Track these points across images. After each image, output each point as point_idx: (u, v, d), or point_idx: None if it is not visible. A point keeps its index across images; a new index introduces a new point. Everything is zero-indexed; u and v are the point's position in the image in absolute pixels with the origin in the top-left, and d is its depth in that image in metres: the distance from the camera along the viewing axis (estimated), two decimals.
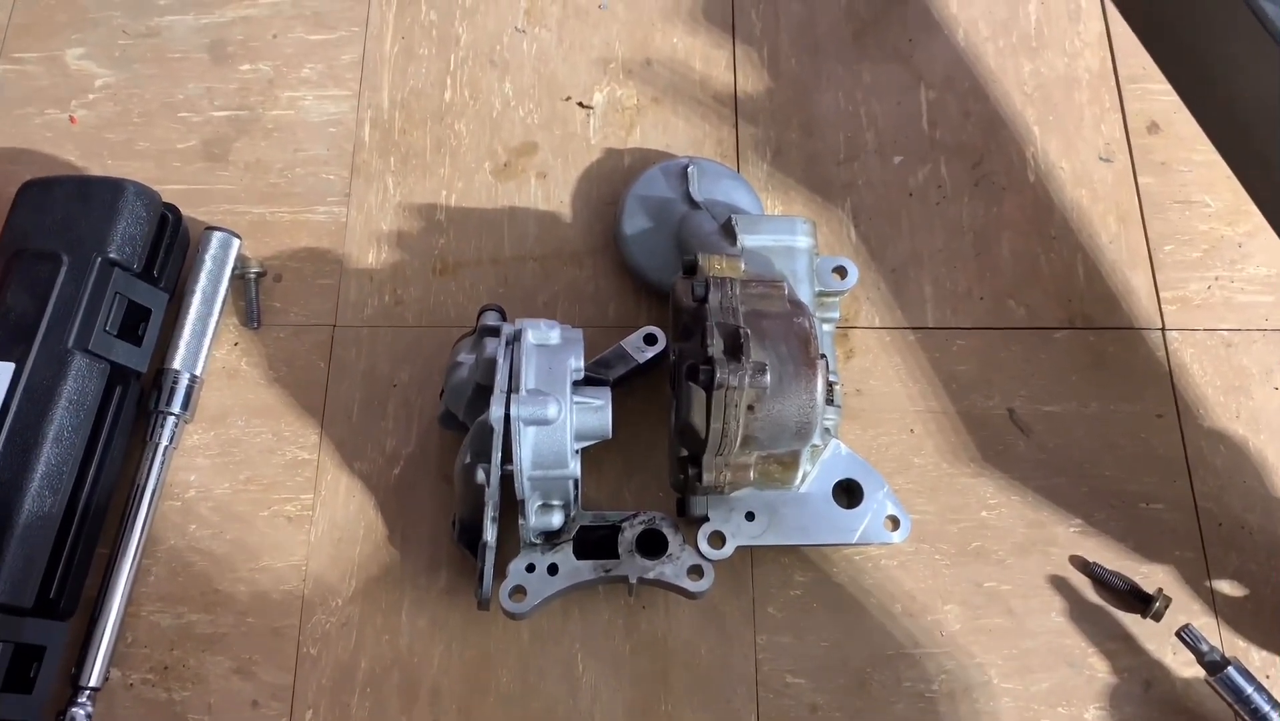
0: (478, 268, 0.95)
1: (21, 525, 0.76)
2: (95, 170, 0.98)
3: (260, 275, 0.94)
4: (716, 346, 0.72)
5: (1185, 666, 0.82)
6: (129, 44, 1.04)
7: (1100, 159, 1.00)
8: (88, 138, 1.00)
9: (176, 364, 0.88)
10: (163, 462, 0.86)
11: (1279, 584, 0.85)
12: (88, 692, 0.79)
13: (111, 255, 0.84)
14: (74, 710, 0.78)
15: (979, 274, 0.96)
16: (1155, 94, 1.02)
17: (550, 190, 0.98)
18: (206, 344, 0.90)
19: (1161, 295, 0.95)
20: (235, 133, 1.00)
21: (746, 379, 0.70)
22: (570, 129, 1.01)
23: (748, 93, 1.03)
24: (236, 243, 0.93)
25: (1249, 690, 0.76)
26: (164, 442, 0.86)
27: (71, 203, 0.85)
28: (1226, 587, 0.85)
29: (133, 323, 0.87)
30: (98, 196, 0.86)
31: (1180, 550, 0.86)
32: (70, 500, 0.80)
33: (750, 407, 0.72)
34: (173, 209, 0.91)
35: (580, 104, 1.02)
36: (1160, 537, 0.86)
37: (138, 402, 0.87)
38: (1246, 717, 0.76)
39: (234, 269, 0.92)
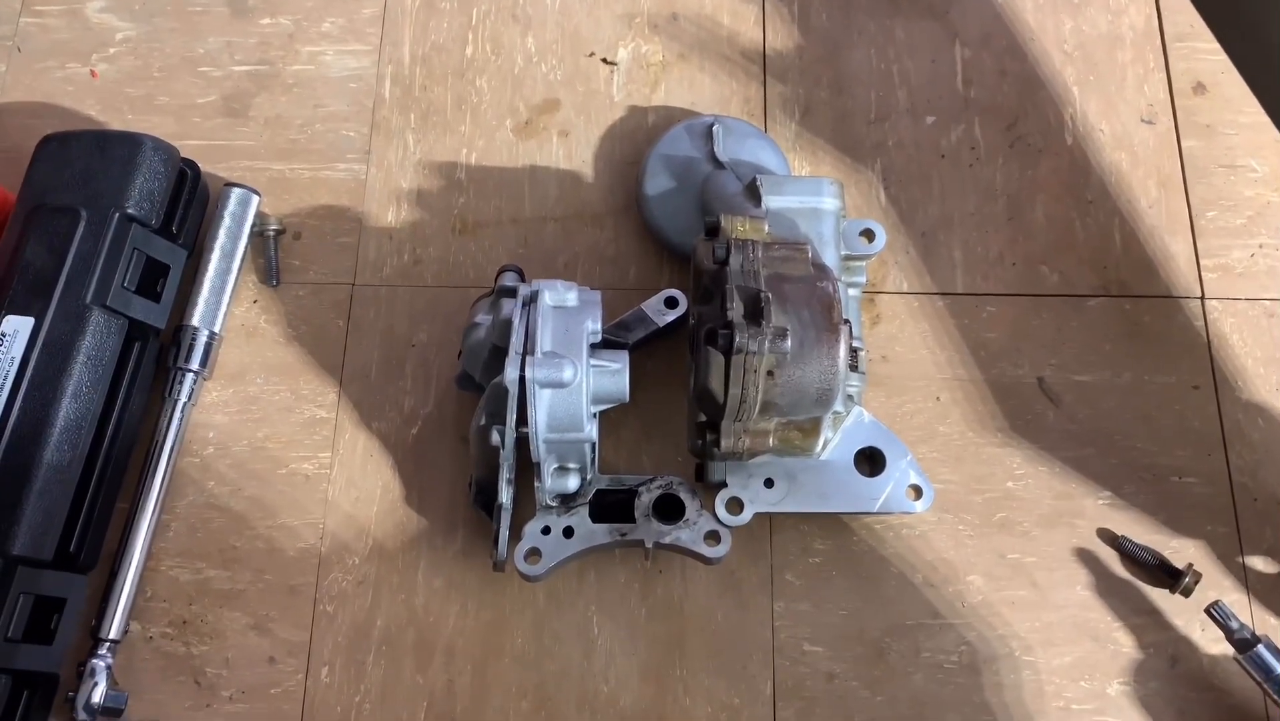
0: (497, 227, 0.94)
1: (40, 479, 0.77)
2: (116, 125, 0.97)
3: (280, 232, 0.93)
4: (736, 310, 0.70)
5: (1213, 643, 0.80)
6: None
7: (1142, 121, 0.97)
8: (108, 92, 0.99)
9: (195, 320, 0.87)
10: (181, 419, 0.86)
11: None
12: (107, 645, 0.80)
13: (130, 210, 0.84)
14: (94, 661, 0.79)
15: (1011, 239, 0.93)
16: (1202, 53, 0.98)
17: (572, 149, 0.97)
18: (225, 301, 0.89)
19: (1202, 263, 0.92)
20: (255, 88, 0.99)
21: (766, 344, 0.69)
22: (593, 86, 0.99)
23: (776, 49, 1.00)
24: (256, 199, 0.92)
25: (1279, 669, 0.74)
26: (183, 399, 0.86)
27: (90, 157, 0.85)
28: (1260, 564, 0.83)
29: (151, 279, 0.87)
30: (116, 151, 0.85)
31: (1213, 525, 0.84)
32: (89, 455, 0.81)
33: (770, 373, 0.70)
34: (192, 164, 0.91)
35: (604, 60, 1.00)
36: (1192, 512, 0.84)
37: (156, 359, 0.87)
38: (1275, 696, 0.75)
39: (253, 226, 0.92)
